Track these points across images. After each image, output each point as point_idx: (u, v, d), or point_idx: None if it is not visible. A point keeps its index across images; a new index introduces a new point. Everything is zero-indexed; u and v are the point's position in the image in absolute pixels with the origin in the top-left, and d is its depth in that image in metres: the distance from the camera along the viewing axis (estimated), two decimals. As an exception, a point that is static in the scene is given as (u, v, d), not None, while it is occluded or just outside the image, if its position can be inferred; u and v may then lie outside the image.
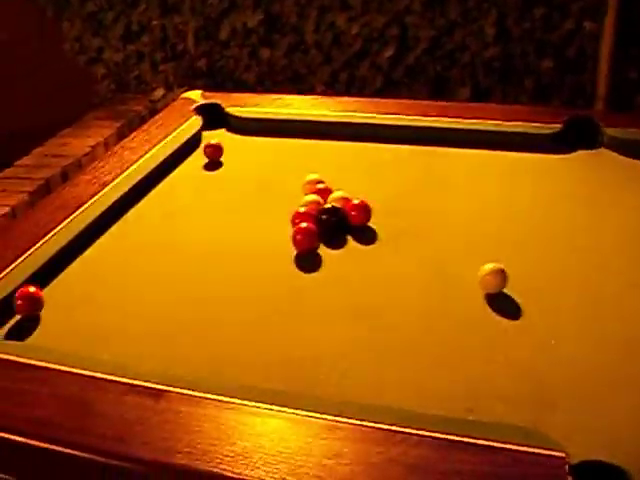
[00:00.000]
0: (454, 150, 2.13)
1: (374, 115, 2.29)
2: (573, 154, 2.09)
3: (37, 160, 3.27)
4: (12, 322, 1.49)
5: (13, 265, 1.61)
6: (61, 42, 4.20)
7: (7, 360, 1.33)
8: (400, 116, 2.27)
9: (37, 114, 4.15)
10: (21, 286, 1.53)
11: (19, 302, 1.50)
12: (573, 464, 1.02)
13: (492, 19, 3.48)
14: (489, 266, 1.49)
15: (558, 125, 2.15)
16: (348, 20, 3.69)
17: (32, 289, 1.52)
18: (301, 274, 1.61)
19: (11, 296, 1.51)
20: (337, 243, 1.71)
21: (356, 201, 1.77)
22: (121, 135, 3.55)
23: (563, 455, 1.04)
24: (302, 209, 1.75)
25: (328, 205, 1.77)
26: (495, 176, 2.01)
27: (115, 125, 3.59)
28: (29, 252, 1.65)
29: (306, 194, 1.85)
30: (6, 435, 1.17)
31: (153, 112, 3.82)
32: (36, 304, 1.52)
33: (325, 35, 3.75)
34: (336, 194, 1.82)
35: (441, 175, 2.02)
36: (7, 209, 2.82)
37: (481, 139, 2.15)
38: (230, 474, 1.04)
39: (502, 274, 1.48)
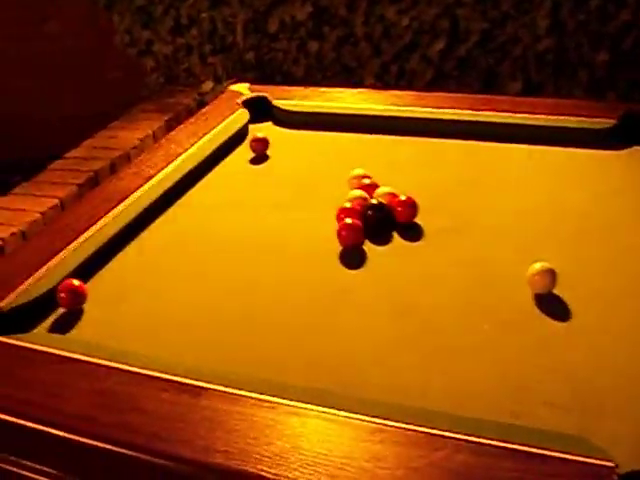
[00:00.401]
0: (504, 145, 2.09)
1: (423, 109, 2.26)
2: (628, 150, 2.03)
3: (86, 152, 3.30)
4: (56, 315, 1.51)
5: (58, 258, 1.62)
6: (112, 34, 4.23)
7: (49, 353, 1.34)
8: (450, 110, 2.23)
9: (87, 105, 4.21)
10: (64, 280, 1.54)
11: (62, 295, 1.51)
12: (622, 474, 0.99)
13: (545, 11, 3.41)
14: (538, 266, 1.45)
15: (612, 120, 2.10)
16: (398, 12, 3.65)
17: (76, 282, 1.53)
18: (346, 270, 1.59)
19: (55, 290, 1.52)
20: (383, 239, 1.69)
21: (403, 197, 1.75)
22: (169, 128, 3.55)
23: (612, 464, 1.00)
24: (348, 204, 1.74)
25: (374, 201, 1.75)
26: (546, 172, 1.96)
27: (163, 118, 3.59)
28: (73, 245, 1.66)
29: (352, 189, 1.83)
30: (46, 429, 1.17)
31: (201, 105, 3.83)
32: (79, 297, 1.53)
33: (375, 27, 3.71)
34: (382, 190, 1.80)
35: (490, 171, 1.98)
36: (56, 201, 2.85)
37: (532, 134, 2.11)
38: (267, 475, 1.03)
39: (551, 274, 1.44)
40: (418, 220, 1.73)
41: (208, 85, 3.94)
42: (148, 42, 4.18)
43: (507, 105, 2.26)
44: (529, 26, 3.46)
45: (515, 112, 2.20)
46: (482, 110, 2.23)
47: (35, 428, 1.18)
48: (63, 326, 1.47)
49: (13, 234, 2.64)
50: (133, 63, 4.23)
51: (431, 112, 2.24)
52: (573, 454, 1.02)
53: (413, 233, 1.70)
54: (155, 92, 4.06)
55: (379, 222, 1.71)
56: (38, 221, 2.74)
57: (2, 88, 4.46)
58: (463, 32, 3.59)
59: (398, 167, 2.01)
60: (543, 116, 2.17)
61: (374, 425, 1.11)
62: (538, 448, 1.04)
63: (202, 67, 4.06)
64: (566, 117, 2.15)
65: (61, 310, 1.51)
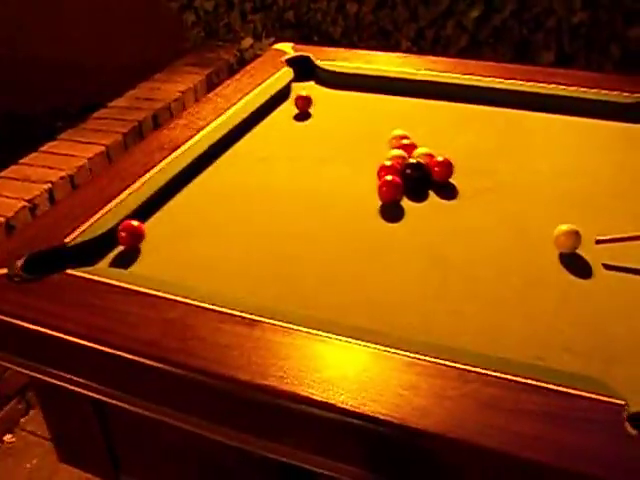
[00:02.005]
0: (536, 114, 2.16)
1: (460, 75, 2.34)
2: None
3: (130, 102, 3.39)
4: (115, 252, 1.62)
5: (118, 200, 1.74)
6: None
7: (113, 285, 1.46)
8: (485, 78, 2.30)
9: (131, 54, 4.29)
10: (124, 220, 1.66)
11: (122, 234, 1.62)
12: (632, 412, 1.10)
13: (581, -16, 3.45)
14: (564, 227, 1.56)
15: (640, 95, 2.16)
16: (436, -22, 3.71)
17: (134, 223, 1.64)
18: (385, 223, 1.69)
19: (115, 229, 1.64)
20: (420, 197, 1.78)
21: (440, 158, 1.83)
22: (209, 82, 3.64)
23: (622, 402, 1.12)
24: (388, 162, 1.83)
25: (413, 160, 1.84)
26: (576, 142, 2.04)
27: (204, 72, 3.68)
28: (131, 189, 1.78)
29: (392, 148, 1.92)
30: (118, 352, 1.30)
31: (241, 61, 3.92)
32: (138, 237, 1.64)
33: (413, -8, 3.77)
34: (421, 150, 1.89)
35: (522, 138, 2.06)
36: (102, 148, 2.96)
37: (564, 105, 2.17)
38: (317, 397, 1.15)
39: (576, 235, 1.55)
40: (453, 180, 1.83)
41: (247, 42, 4.01)
42: (190, -3, 4.26)
43: (541, 75, 2.32)
44: (564, -2, 3.51)
45: (548, 82, 2.26)
46: (517, 79, 2.29)
47: (103, 351, 1.31)
48: (123, 262, 1.59)
49: (62, 178, 2.76)
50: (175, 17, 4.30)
51: (468, 78, 2.32)
52: (592, 392, 1.14)
53: (448, 192, 1.80)
54: (196, 46, 4.13)
55: (417, 180, 1.80)
56: (85, 167, 2.85)
57: (54, 37, 4.54)
58: (499, 1, 3.64)
59: (435, 130, 2.10)
60: (574, 88, 2.22)
61: (410, 359, 1.22)
62: (559, 386, 1.16)
63: (242, 24, 4.13)
64: (596, 90, 2.20)
65: (120, 248, 1.63)
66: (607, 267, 1.51)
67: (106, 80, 4.09)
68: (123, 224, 1.64)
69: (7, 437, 2.61)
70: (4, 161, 2.95)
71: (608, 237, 1.55)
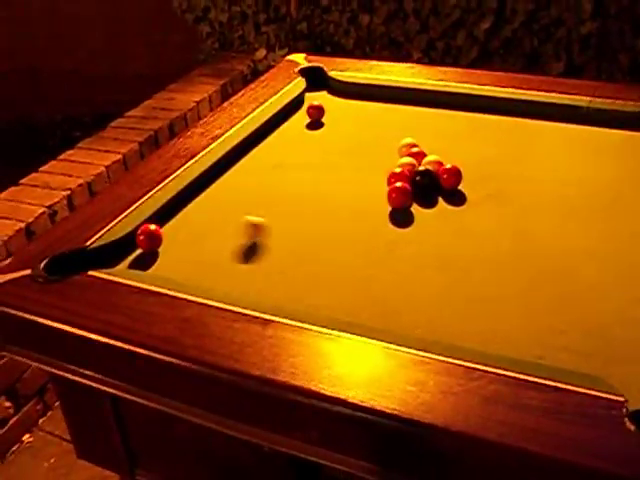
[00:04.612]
0: (545, 123, 2.20)
1: (470, 85, 2.39)
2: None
3: (146, 112, 3.46)
4: (134, 255, 1.68)
5: (136, 205, 1.79)
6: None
7: (132, 285, 1.51)
8: (494, 88, 2.35)
9: (146, 65, 4.36)
10: (143, 224, 1.71)
11: (141, 238, 1.68)
12: (631, 410, 1.14)
13: (590, -5, 3.50)
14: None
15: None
16: (447, -10, 3.77)
17: (152, 227, 1.70)
18: (394, 228, 1.74)
19: (134, 232, 1.69)
20: (429, 203, 1.83)
21: (448, 165, 1.88)
22: (224, 92, 3.71)
23: (622, 399, 1.16)
24: (398, 170, 1.88)
25: (422, 168, 1.89)
26: (582, 150, 2.07)
27: (218, 82, 3.74)
28: (150, 194, 1.84)
29: (401, 156, 1.97)
30: (137, 349, 1.35)
31: (255, 71, 3.99)
32: (155, 240, 1.69)
33: (424, 4, 3.82)
34: (430, 158, 1.93)
35: (529, 146, 2.11)
36: (119, 156, 3.02)
37: (572, 114, 2.20)
38: (328, 392, 1.20)
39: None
40: (461, 187, 1.88)
41: (261, 53, 4.07)
42: (205, 9, 4.32)
43: (550, 85, 2.36)
44: (574, 9, 3.55)
45: (557, 92, 2.30)
46: (526, 89, 2.33)
47: (123, 348, 1.36)
48: (141, 264, 1.65)
49: (80, 185, 2.82)
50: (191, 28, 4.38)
51: (478, 89, 2.37)
52: (590, 389, 1.19)
53: (457, 199, 1.84)
54: (210, 57, 4.20)
55: (426, 187, 1.85)
56: (103, 174, 2.92)
57: (68, 47, 4.62)
58: (509, 12, 3.69)
59: (444, 138, 2.15)
60: (583, 97, 2.25)
61: (417, 357, 1.27)
62: (560, 383, 1.20)
63: (256, 35, 4.19)
64: (604, 99, 2.23)
65: (139, 251, 1.68)
66: (612, 272, 1.56)
67: (120, 90, 4.16)
68: (142, 228, 1.69)
69: (26, 437, 2.67)
70: (23, 169, 3.02)
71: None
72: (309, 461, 1.33)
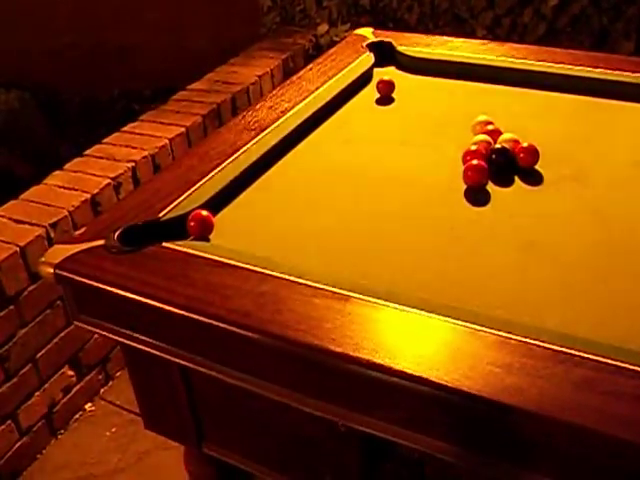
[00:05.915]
0: (623, 103, 2.14)
1: (543, 63, 2.33)
2: None
3: (208, 85, 3.44)
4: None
5: (208, 177, 1.78)
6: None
7: (209, 258, 1.50)
8: (569, 66, 2.29)
9: (206, 38, 4.35)
10: (195, 209, 1.66)
11: (192, 224, 1.62)
12: None
13: (665, -28, 3.40)
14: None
15: None
16: (514, -34, 3.69)
17: (204, 213, 1.64)
18: (470, 207, 1.71)
19: (206, 205, 1.68)
20: (505, 182, 1.79)
21: (525, 144, 1.84)
22: (286, 67, 3.68)
23: None
24: (473, 147, 1.84)
25: (498, 145, 1.85)
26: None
27: (280, 57, 3.71)
28: (221, 167, 1.82)
29: (476, 134, 1.93)
30: (212, 322, 1.34)
31: (316, 46, 3.95)
32: (206, 228, 1.63)
33: (490, -20, 3.75)
34: (506, 135, 1.89)
35: (606, 126, 2.05)
36: (182, 129, 3.01)
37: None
38: (411, 371, 1.18)
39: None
40: (538, 166, 1.83)
41: (323, 27, 4.03)
42: (267, -18, 4.29)
43: (625, 64, 2.29)
44: (646, -14, 3.46)
45: (632, 71, 2.23)
46: (599, 67, 2.26)
47: (198, 320, 1.35)
48: (213, 239, 1.63)
49: (144, 157, 2.82)
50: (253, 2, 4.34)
51: (550, 66, 2.31)
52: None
53: (534, 178, 1.80)
54: (272, 31, 4.17)
55: (503, 165, 1.81)
56: (166, 147, 2.92)
57: (128, 21, 4.63)
58: (579, -11, 3.60)
59: (518, 116, 2.10)
60: None
61: (500, 338, 1.24)
62: (650, 368, 1.17)
63: (317, 9, 4.15)
64: None
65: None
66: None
67: (180, 64, 4.15)
68: (192, 214, 1.63)
69: (88, 405, 2.70)
70: (87, 141, 3.03)
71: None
72: (383, 440, 1.31)
